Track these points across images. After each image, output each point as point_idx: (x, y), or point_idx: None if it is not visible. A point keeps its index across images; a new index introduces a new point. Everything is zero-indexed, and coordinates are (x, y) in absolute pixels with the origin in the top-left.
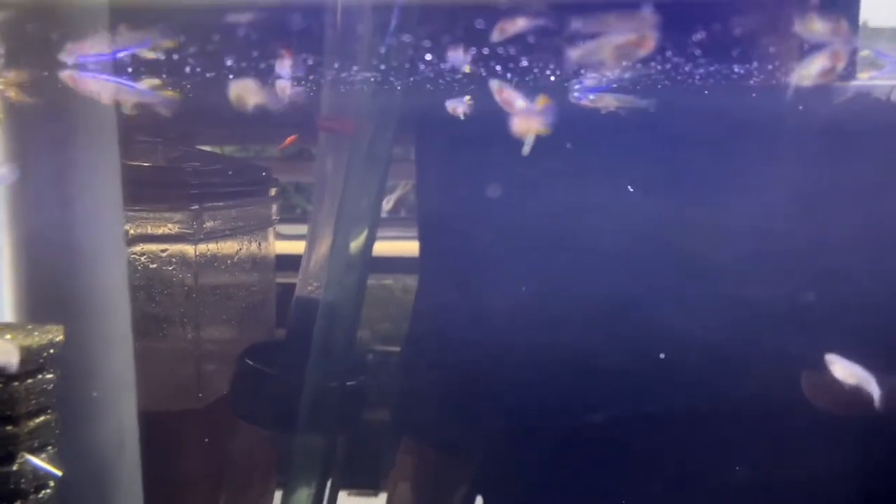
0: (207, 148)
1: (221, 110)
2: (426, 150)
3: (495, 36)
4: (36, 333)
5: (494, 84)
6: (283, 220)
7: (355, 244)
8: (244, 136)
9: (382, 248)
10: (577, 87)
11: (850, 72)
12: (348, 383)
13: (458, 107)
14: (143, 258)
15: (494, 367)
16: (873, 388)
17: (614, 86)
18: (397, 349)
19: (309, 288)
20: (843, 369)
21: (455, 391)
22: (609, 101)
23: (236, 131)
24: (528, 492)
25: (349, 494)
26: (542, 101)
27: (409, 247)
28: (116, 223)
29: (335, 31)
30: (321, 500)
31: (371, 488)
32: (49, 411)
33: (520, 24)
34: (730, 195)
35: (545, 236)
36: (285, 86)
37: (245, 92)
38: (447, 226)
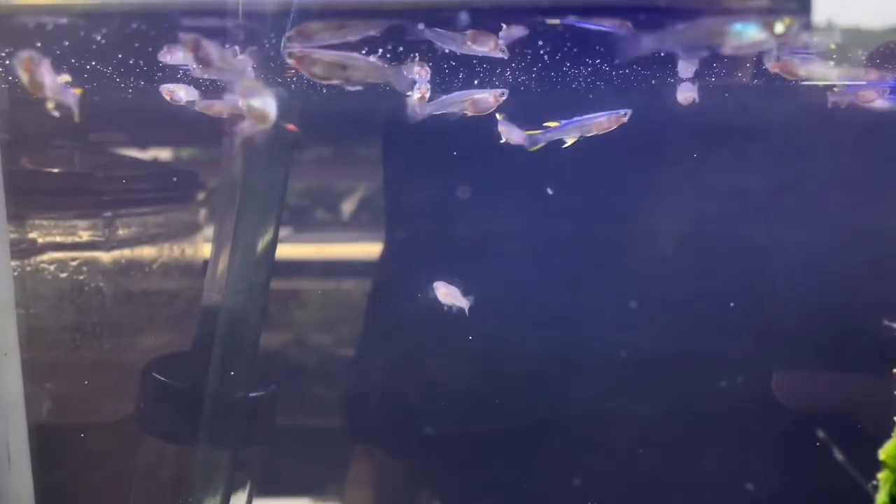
0: (133, 153)
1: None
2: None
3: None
4: None
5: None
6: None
7: (257, 248)
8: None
9: (342, 251)
10: None
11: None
12: (254, 394)
13: None
14: (51, 267)
15: (457, 366)
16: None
17: None
18: (354, 353)
19: (213, 296)
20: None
21: (414, 394)
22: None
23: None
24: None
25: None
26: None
27: (369, 250)
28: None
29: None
30: None
31: (298, 496)
32: None
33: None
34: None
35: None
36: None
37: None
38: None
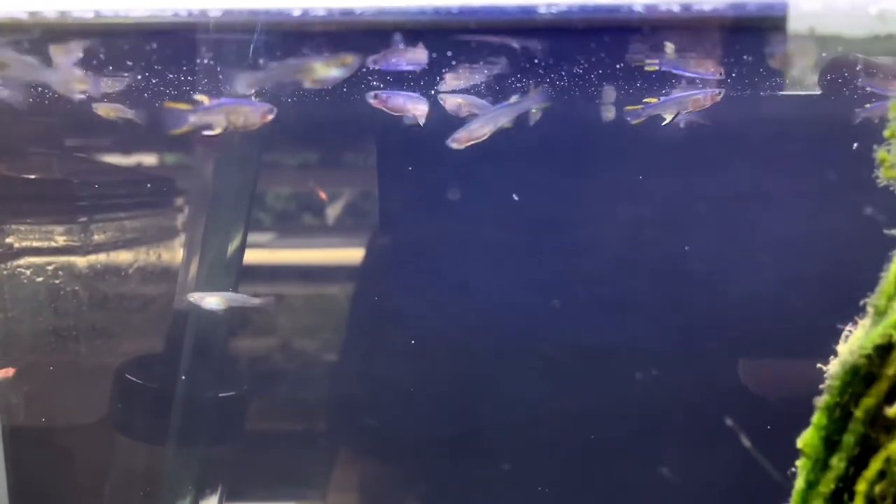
0: (109, 159)
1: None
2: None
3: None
4: None
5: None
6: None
7: (225, 253)
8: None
9: (326, 256)
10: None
11: None
12: (223, 394)
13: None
14: (28, 272)
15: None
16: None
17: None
18: (337, 358)
19: (184, 299)
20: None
21: (399, 398)
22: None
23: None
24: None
25: None
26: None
27: (353, 255)
28: None
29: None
30: None
31: (271, 500)
32: None
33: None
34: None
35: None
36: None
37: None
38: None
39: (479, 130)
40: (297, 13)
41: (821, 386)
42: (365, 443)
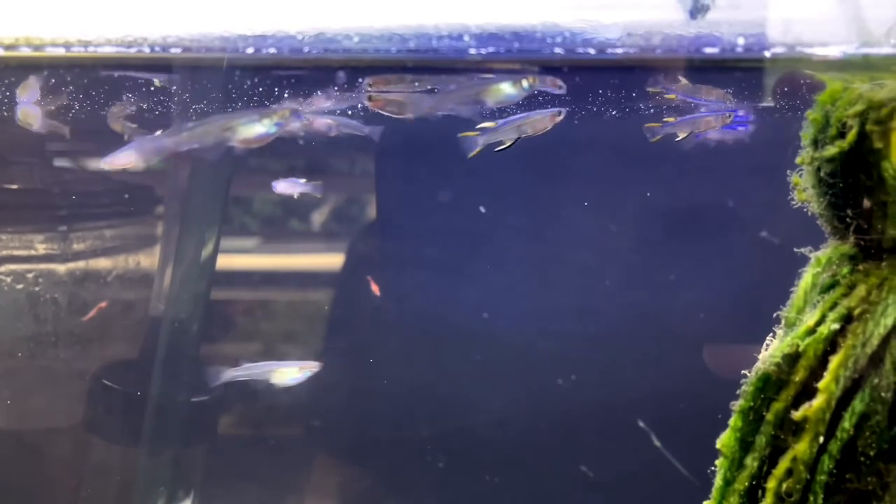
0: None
1: None
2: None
3: None
4: None
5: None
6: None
7: (199, 258)
8: None
9: (312, 262)
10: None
11: None
12: (195, 398)
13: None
14: (8, 279)
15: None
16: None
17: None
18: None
19: (159, 304)
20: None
21: (377, 404)
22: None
23: None
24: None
25: None
26: None
27: (338, 260)
28: None
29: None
30: None
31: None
32: None
33: None
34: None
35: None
36: None
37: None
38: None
39: (497, 137)
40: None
41: (737, 391)
42: (342, 446)
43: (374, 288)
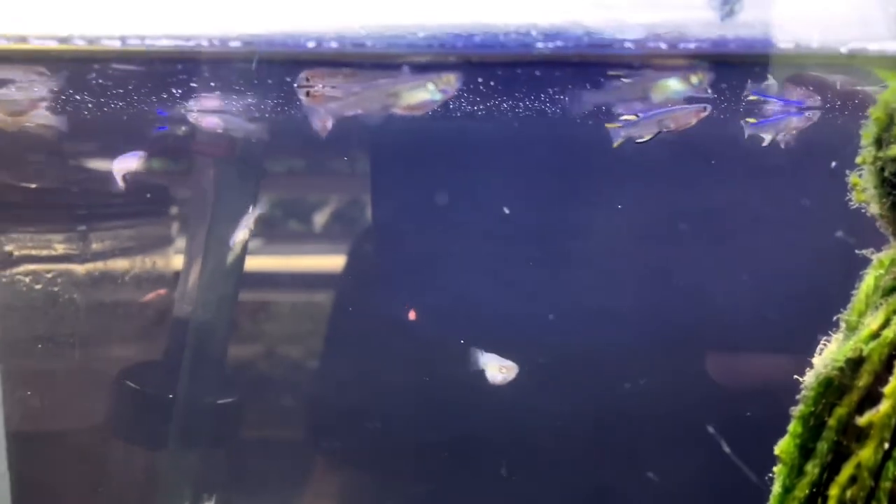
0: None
1: None
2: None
3: None
4: None
5: None
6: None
7: (227, 262)
8: None
9: (314, 263)
10: None
11: None
12: (221, 401)
13: None
14: (27, 279)
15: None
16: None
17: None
18: (320, 365)
19: (185, 306)
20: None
21: (378, 405)
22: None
23: None
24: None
25: None
26: None
27: (340, 262)
28: None
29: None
30: None
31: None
32: None
33: None
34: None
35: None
36: None
37: None
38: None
39: (638, 131)
40: None
41: (797, 396)
42: (353, 449)
43: (412, 314)
